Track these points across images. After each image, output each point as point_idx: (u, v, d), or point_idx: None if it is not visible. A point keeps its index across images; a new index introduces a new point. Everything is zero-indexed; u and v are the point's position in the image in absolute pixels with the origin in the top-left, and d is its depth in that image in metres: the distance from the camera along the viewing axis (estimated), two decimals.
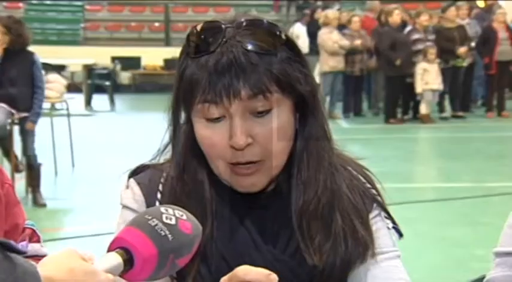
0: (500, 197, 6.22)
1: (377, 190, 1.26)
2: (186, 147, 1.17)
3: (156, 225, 0.92)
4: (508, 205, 5.93)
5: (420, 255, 4.44)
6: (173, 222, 0.93)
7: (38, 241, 1.39)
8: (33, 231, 1.39)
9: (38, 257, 1.30)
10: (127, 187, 1.23)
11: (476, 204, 6.14)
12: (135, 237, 0.91)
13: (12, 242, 0.81)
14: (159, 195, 1.20)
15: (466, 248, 4.77)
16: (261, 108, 1.09)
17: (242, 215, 1.17)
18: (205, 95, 1.08)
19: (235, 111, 1.08)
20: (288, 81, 1.10)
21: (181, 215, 0.95)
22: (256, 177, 1.13)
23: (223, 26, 1.10)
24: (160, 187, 1.20)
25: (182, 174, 1.17)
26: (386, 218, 1.24)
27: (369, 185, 1.25)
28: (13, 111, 5.90)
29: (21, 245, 1.31)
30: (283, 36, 1.12)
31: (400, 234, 1.25)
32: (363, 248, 1.17)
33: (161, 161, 1.24)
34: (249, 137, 1.09)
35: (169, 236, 0.92)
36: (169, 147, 1.21)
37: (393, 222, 1.24)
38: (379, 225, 1.22)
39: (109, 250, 0.91)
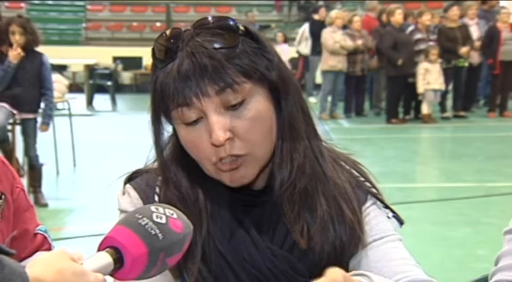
0: (502, 197, 6.22)
1: (371, 183, 1.26)
2: (175, 154, 1.19)
3: (147, 224, 0.92)
4: (510, 205, 5.93)
5: (421, 255, 4.43)
6: (163, 221, 0.93)
7: (49, 249, 1.38)
8: (45, 238, 1.38)
9: None
10: (123, 193, 1.24)
11: (478, 205, 6.13)
12: (125, 236, 0.90)
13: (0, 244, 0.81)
14: (156, 198, 1.20)
15: (467, 248, 4.77)
16: (233, 101, 1.10)
17: (238, 213, 1.18)
18: (175, 100, 1.10)
19: (208, 110, 1.10)
20: (254, 70, 1.12)
21: (172, 214, 0.95)
22: (244, 170, 1.13)
23: (181, 30, 1.13)
24: (157, 190, 1.21)
25: (173, 180, 1.19)
26: (384, 207, 1.24)
27: (362, 178, 1.26)
28: (14, 111, 5.88)
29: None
30: (242, 28, 1.13)
31: (401, 223, 1.25)
32: (351, 232, 1.17)
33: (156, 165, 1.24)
34: (227, 131, 1.10)
35: (160, 234, 0.91)
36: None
37: (392, 211, 1.25)
38: (376, 213, 1.22)
39: (99, 249, 0.91)
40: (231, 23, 1.12)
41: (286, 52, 12.72)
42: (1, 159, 1.34)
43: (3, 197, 1.29)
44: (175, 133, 1.18)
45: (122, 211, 1.23)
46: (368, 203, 1.23)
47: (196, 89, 1.08)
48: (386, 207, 1.24)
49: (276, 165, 1.16)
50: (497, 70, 11.46)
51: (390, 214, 1.23)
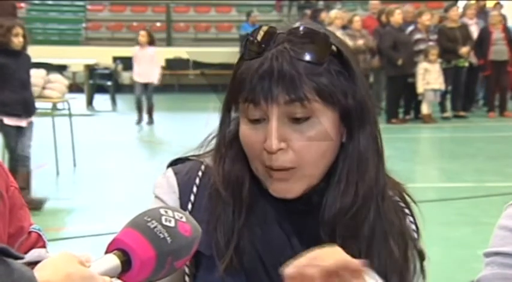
0: (502, 197, 6.21)
1: (414, 217, 1.27)
2: (233, 138, 1.19)
3: (155, 227, 0.91)
4: None
5: None
6: (172, 224, 0.93)
7: (44, 246, 1.39)
8: (39, 235, 1.39)
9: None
10: (164, 176, 1.23)
11: (478, 204, 6.14)
12: (134, 239, 0.90)
13: (9, 248, 0.81)
14: (194, 189, 1.20)
15: (468, 248, 4.77)
16: (299, 115, 1.10)
17: (280, 217, 1.17)
18: (246, 94, 1.11)
19: (272, 115, 1.10)
20: (331, 92, 1.11)
21: (181, 217, 0.95)
22: (290, 184, 1.13)
23: (276, 31, 1.13)
24: (197, 181, 1.21)
25: (224, 165, 1.19)
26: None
27: (408, 211, 1.26)
28: (21, 123, 5.85)
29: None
30: (334, 48, 1.13)
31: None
32: (393, 268, 1.16)
33: (201, 152, 1.24)
34: (282, 142, 1.10)
35: (168, 238, 0.91)
36: (213, 141, 1.23)
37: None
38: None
39: (107, 251, 0.91)
40: (325, 39, 1.12)
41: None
42: None
43: None
44: (237, 124, 1.18)
45: (155, 196, 1.22)
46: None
47: (267, 92, 1.09)
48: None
49: (341, 192, 1.15)
50: (488, 71, 11.52)
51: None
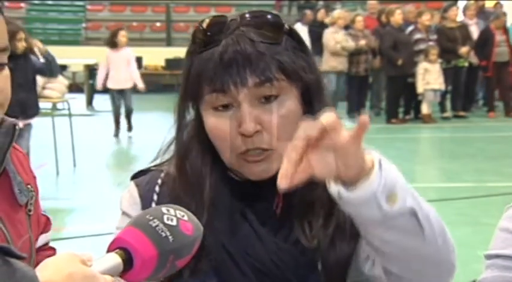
0: (502, 197, 6.22)
1: None
2: (191, 140, 1.20)
3: (157, 226, 0.92)
4: None
5: None
6: (174, 223, 0.93)
7: (49, 229, 1.45)
8: (47, 218, 1.45)
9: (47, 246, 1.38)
10: (127, 190, 1.25)
11: (478, 205, 6.14)
12: (135, 238, 0.90)
13: (11, 247, 0.81)
14: (155, 197, 1.21)
15: (468, 249, 4.76)
16: (268, 95, 1.12)
17: (243, 207, 1.18)
18: (212, 85, 1.11)
19: (243, 99, 1.11)
20: (294, 69, 1.13)
21: (183, 216, 0.95)
22: (267, 164, 1.14)
23: (227, 18, 1.14)
24: (157, 188, 1.22)
25: (183, 166, 1.19)
26: None
27: None
28: (19, 124, 5.87)
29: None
30: (287, 27, 1.15)
31: None
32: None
33: (162, 160, 1.25)
34: (257, 124, 1.11)
35: (170, 237, 0.91)
36: (171, 146, 1.24)
37: None
38: None
39: (109, 250, 0.91)
40: (278, 19, 1.14)
41: None
42: (22, 152, 1.40)
43: (33, 188, 1.34)
44: (197, 121, 1.18)
45: (122, 211, 1.24)
46: None
47: (236, 77, 1.10)
48: None
49: None
50: (490, 72, 11.52)
51: None
